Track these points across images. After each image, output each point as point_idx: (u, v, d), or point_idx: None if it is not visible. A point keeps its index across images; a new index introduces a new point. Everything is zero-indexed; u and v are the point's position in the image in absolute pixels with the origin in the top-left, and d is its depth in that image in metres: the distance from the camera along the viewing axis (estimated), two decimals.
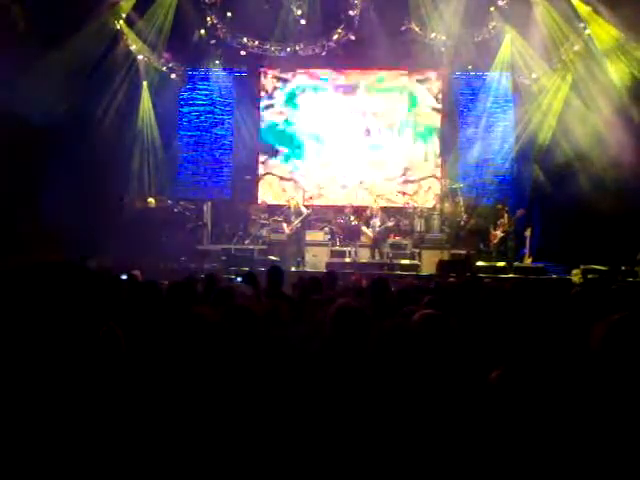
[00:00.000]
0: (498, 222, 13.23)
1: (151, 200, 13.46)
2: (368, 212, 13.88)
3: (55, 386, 1.28)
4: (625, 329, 1.72)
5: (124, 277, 5.90)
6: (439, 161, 15.85)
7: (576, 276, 11.42)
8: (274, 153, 15.98)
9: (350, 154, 15.85)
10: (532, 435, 2.14)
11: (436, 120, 15.97)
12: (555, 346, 3.32)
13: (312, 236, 13.71)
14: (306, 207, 14.23)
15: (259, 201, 15.52)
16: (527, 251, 13.38)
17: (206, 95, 16.25)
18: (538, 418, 2.14)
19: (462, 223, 13.85)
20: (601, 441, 1.87)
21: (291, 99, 16.17)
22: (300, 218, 13.57)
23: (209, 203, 15.12)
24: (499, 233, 13.06)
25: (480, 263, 12.62)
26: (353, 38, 14.76)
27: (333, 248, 13.64)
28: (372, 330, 2.66)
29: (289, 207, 14.05)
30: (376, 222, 13.41)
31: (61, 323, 1.28)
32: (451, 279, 8.89)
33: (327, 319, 2.65)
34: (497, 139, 15.69)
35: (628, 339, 1.62)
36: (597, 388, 1.89)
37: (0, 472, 1.22)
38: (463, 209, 14.04)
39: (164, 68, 15.34)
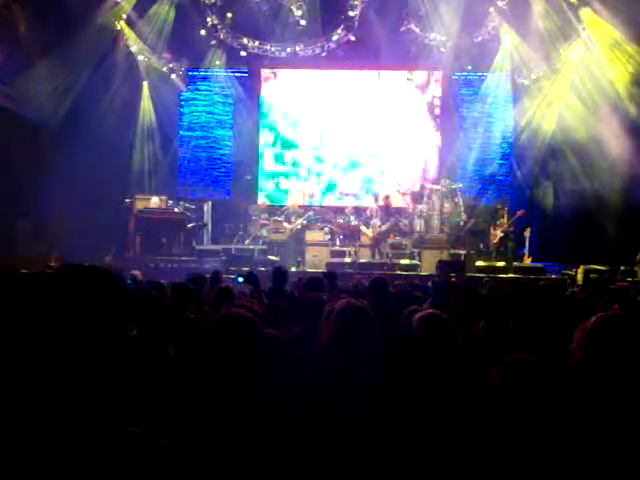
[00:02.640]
0: (497, 222, 13.25)
1: (156, 200, 13.48)
2: (368, 212, 13.90)
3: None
4: (603, 332, 1.73)
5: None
6: (439, 161, 15.88)
7: (580, 275, 11.45)
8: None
9: (350, 154, 15.90)
10: (530, 436, 2.15)
11: (436, 120, 15.98)
12: (553, 346, 3.34)
13: (312, 236, 13.71)
14: (306, 207, 14.26)
15: (259, 201, 15.55)
16: (526, 251, 13.39)
17: (206, 95, 16.27)
18: (536, 419, 2.15)
19: (462, 223, 13.86)
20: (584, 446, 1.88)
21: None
22: (301, 219, 13.60)
23: (209, 203, 15.13)
24: (499, 233, 13.08)
25: (480, 263, 12.63)
26: (353, 38, 14.77)
27: (333, 248, 13.65)
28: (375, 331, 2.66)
29: (289, 207, 14.10)
30: (376, 222, 13.43)
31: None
32: (452, 279, 8.90)
33: (330, 318, 2.66)
34: (497, 139, 15.71)
35: (606, 342, 1.64)
36: (580, 393, 1.91)
37: None
38: (463, 209, 14.04)
39: (164, 68, 15.36)
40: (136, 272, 8.05)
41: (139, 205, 13.37)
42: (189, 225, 13.73)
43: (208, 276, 6.14)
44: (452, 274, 10.57)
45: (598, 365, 1.86)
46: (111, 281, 1.33)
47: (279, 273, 5.76)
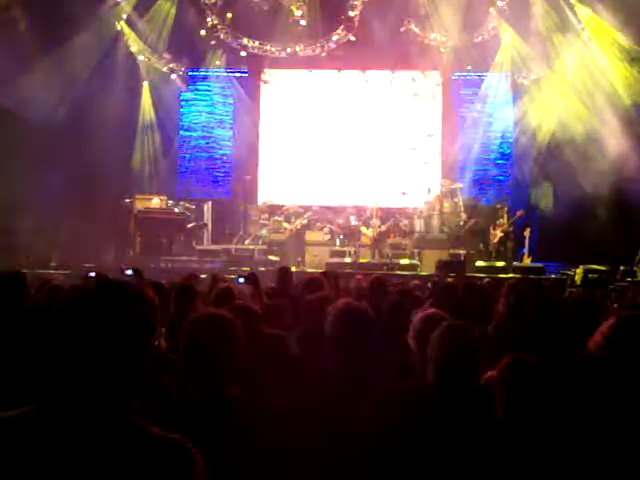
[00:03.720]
0: (497, 222, 13.25)
1: (156, 201, 13.47)
2: (368, 212, 13.90)
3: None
4: (624, 333, 1.73)
5: (129, 272, 5.89)
6: (439, 161, 15.90)
7: (578, 275, 11.45)
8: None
9: (351, 154, 15.91)
10: (532, 434, 2.16)
11: (436, 120, 15.99)
12: (554, 345, 3.34)
13: (312, 236, 13.72)
14: (306, 208, 14.26)
15: (259, 201, 15.56)
16: (526, 251, 13.40)
17: (206, 95, 16.28)
18: (540, 418, 2.16)
19: (462, 223, 13.85)
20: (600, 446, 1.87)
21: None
22: (300, 219, 13.59)
23: (209, 203, 15.13)
24: (498, 233, 13.08)
25: (480, 263, 12.64)
26: (353, 39, 14.78)
27: (333, 248, 13.65)
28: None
29: (288, 208, 14.10)
30: (376, 222, 13.43)
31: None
32: (450, 279, 8.89)
33: (329, 319, 2.66)
34: (496, 139, 15.73)
35: (628, 342, 1.63)
36: (599, 392, 1.90)
37: None
38: (463, 209, 14.05)
39: (165, 69, 15.37)
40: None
41: (139, 205, 13.37)
42: (189, 225, 13.73)
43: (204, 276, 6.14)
44: (452, 274, 10.57)
45: (609, 366, 1.86)
46: (142, 296, 1.39)
47: (284, 273, 5.79)
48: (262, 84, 16.27)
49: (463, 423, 2.25)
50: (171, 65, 15.40)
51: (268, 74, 16.24)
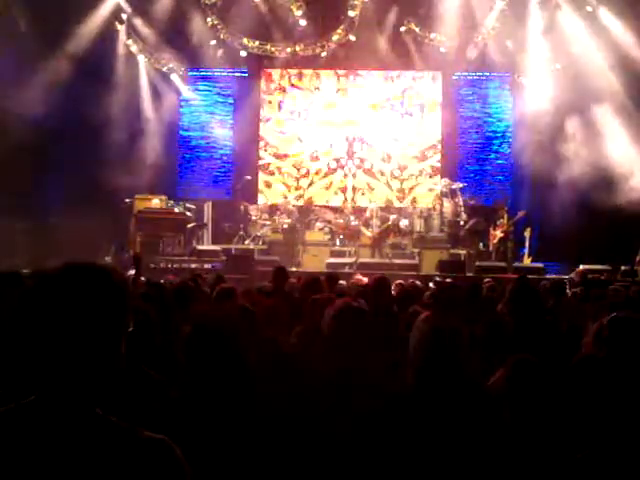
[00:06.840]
0: (497, 222, 13.24)
1: (156, 201, 13.47)
2: (368, 212, 13.91)
3: None
4: (616, 332, 1.72)
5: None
6: (439, 161, 15.89)
7: (578, 275, 11.43)
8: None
9: (350, 153, 15.89)
10: (533, 436, 2.15)
11: (436, 120, 15.98)
12: (554, 346, 3.34)
13: (312, 236, 13.72)
14: (300, 207, 14.28)
15: (259, 201, 15.56)
16: (526, 251, 13.40)
17: (206, 95, 16.28)
18: (541, 419, 2.15)
19: (462, 223, 13.85)
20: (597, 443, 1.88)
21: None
22: (281, 216, 13.60)
23: (209, 203, 15.13)
24: (498, 233, 13.07)
25: (480, 263, 12.63)
26: (353, 39, 14.77)
27: (333, 248, 13.65)
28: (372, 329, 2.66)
29: (279, 207, 14.14)
30: (376, 222, 13.43)
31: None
32: (449, 279, 8.90)
33: (327, 318, 2.66)
34: (497, 139, 15.72)
35: (619, 343, 1.63)
36: (593, 391, 1.90)
37: None
38: (463, 209, 14.04)
39: (164, 68, 15.36)
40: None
41: (139, 205, 13.35)
42: (189, 225, 13.71)
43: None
44: (452, 274, 10.57)
45: (605, 365, 1.85)
46: (112, 279, 1.32)
47: (279, 273, 5.78)
48: (262, 83, 16.25)
49: (465, 424, 2.24)
50: (171, 65, 15.39)
51: (268, 74, 16.24)
